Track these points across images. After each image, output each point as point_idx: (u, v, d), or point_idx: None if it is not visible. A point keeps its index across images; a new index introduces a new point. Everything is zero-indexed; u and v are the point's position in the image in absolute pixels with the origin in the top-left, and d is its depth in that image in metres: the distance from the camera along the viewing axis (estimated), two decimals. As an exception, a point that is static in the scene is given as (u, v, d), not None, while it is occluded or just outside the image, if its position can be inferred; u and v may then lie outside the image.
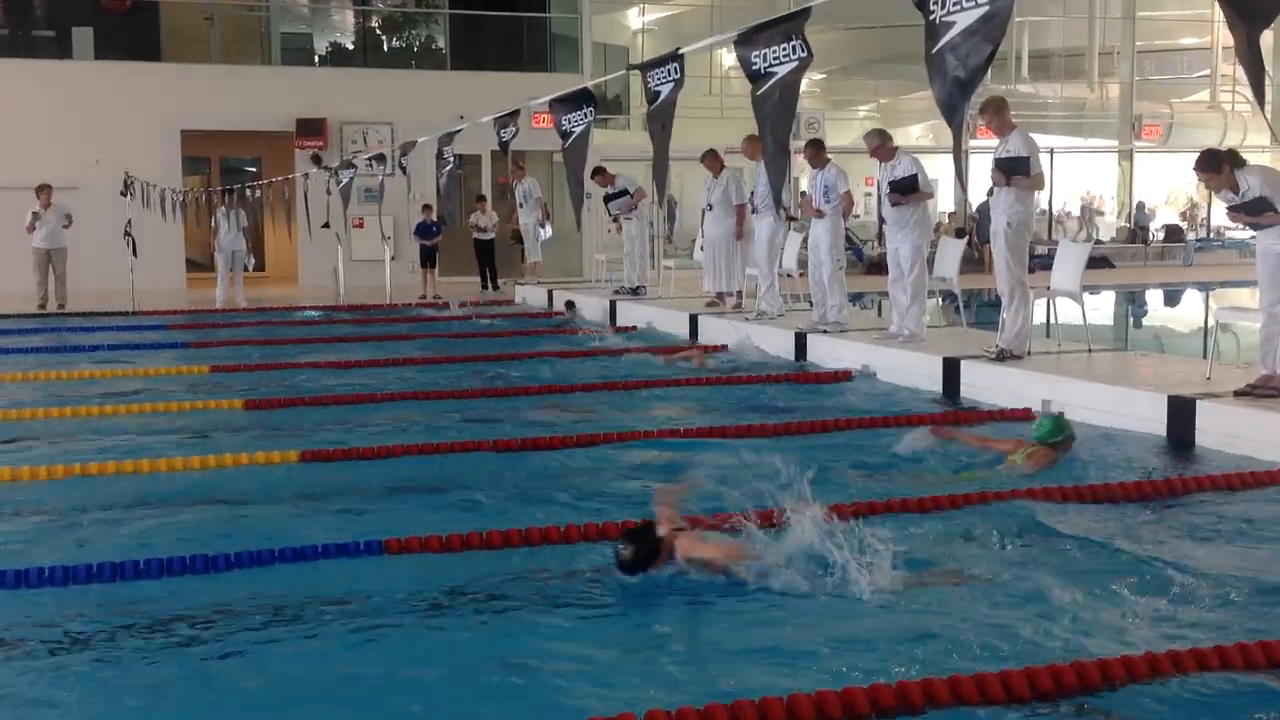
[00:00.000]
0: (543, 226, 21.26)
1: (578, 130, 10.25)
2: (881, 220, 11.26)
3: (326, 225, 19.82)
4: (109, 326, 15.80)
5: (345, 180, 18.91)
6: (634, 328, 15.19)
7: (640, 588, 4.89)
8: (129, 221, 18.90)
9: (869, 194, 26.30)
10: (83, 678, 4.11)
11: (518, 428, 8.48)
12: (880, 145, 11.16)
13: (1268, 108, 31.24)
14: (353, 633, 4.51)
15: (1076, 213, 33.41)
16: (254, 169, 26.62)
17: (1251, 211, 7.65)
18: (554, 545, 5.53)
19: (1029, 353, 9.70)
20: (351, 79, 24.46)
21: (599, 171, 17.14)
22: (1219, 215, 32.09)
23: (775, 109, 6.81)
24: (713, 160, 14.70)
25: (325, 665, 4.23)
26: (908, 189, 10.82)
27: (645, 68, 8.76)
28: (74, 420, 8.92)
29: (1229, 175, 7.73)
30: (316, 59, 25.48)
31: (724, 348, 12.75)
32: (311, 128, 23.42)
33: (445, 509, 6.31)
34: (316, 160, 22.14)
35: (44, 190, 18.74)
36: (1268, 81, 30.86)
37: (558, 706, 3.86)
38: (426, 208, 20.78)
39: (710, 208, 14.78)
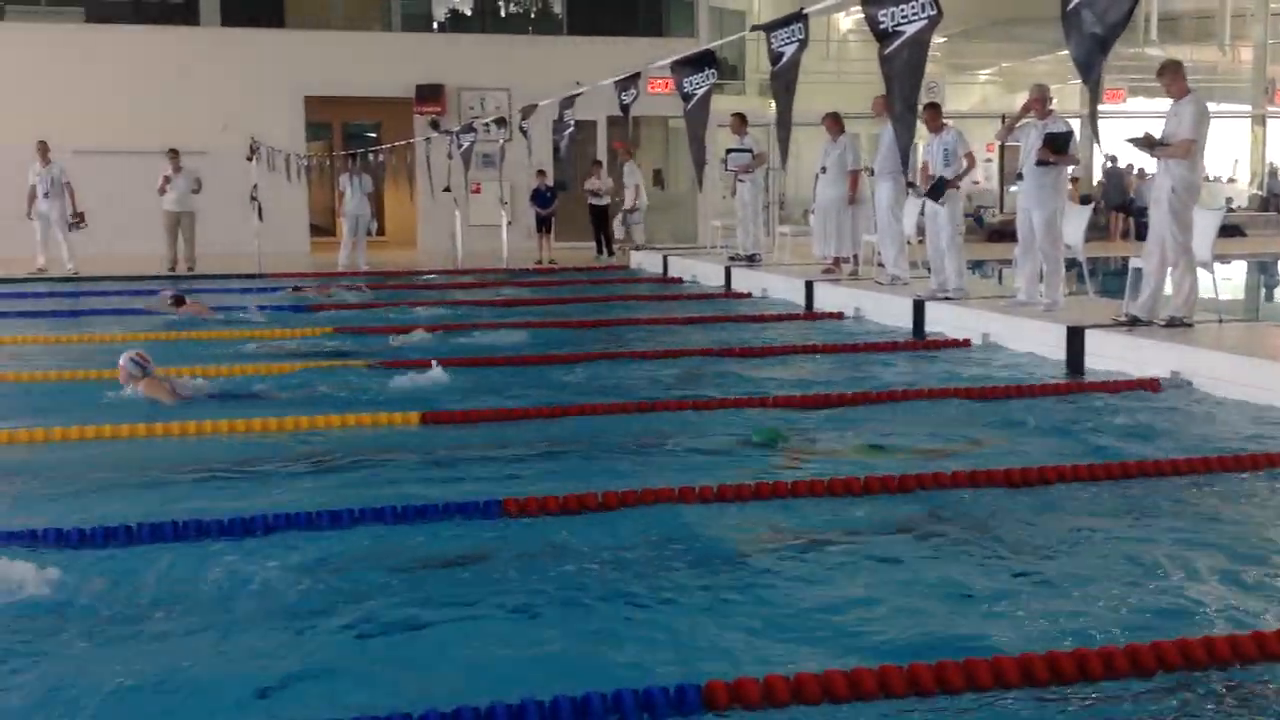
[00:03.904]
0: (632, 212, 21.46)
1: (699, 93, 10.21)
2: (1019, 176, 10.97)
3: (448, 189, 20.03)
4: (236, 289, 16.16)
5: (466, 145, 19.06)
6: (749, 294, 15.15)
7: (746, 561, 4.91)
8: (255, 186, 19.33)
9: (989, 160, 25.82)
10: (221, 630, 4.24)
11: (635, 390, 8.52)
12: (1041, 99, 10.90)
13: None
14: (469, 593, 4.58)
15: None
16: (374, 135, 27.01)
17: None
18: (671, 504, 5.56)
19: (1163, 321, 9.47)
20: (469, 45, 24.65)
21: (739, 117, 16.93)
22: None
23: (903, 68, 6.69)
24: (833, 122, 14.52)
25: (448, 626, 4.30)
26: (1063, 146, 10.58)
27: (769, 28, 8.69)
28: (204, 379, 9.14)
29: None
30: (435, 25, 25.71)
31: (841, 315, 12.69)
32: (430, 94, 23.67)
33: (565, 470, 6.38)
34: (435, 126, 22.39)
35: (173, 154, 19.22)
36: None
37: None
38: (540, 173, 20.92)
39: (824, 171, 14.64)
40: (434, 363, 8.86)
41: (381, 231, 26.52)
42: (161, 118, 21.81)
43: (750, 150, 16.53)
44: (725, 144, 17.17)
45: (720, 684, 3.53)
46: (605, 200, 21.98)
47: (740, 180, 16.75)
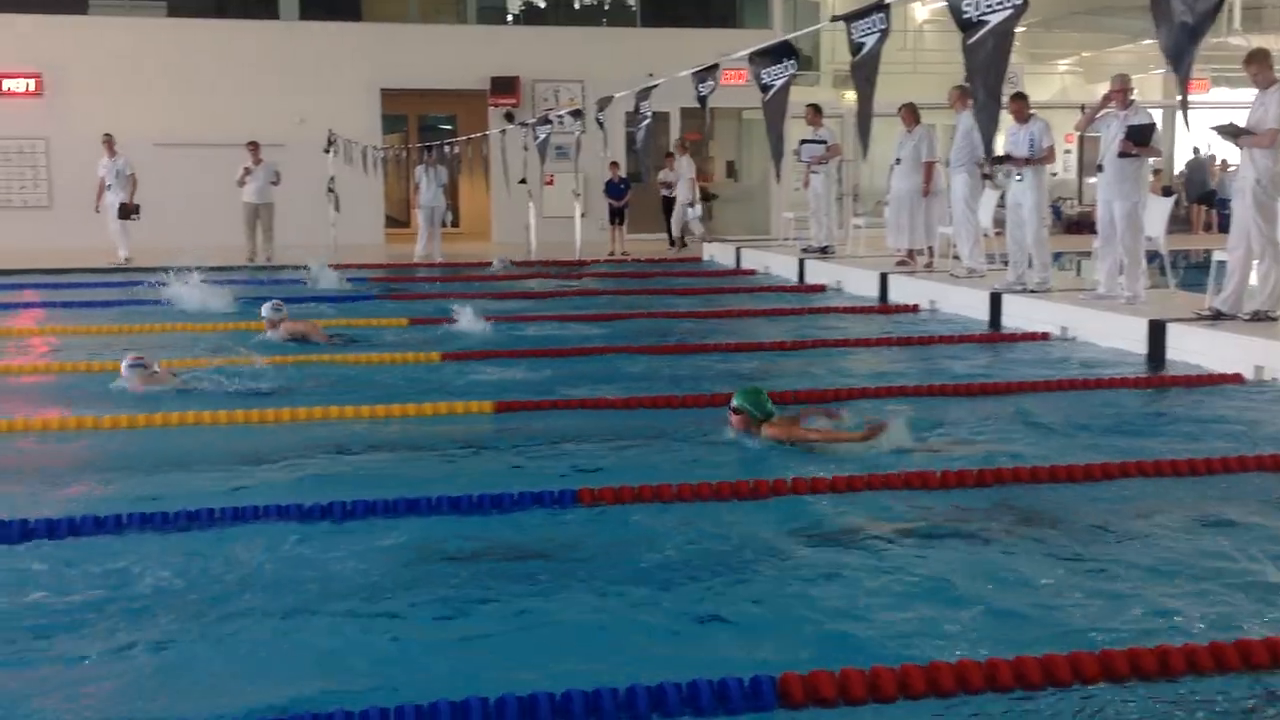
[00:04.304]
0: (692, 206, 21.31)
1: (778, 84, 10.15)
2: (1099, 167, 10.82)
3: (523, 181, 20.12)
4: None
5: (542, 137, 19.13)
6: (823, 287, 15.06)
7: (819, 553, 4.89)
8: (331, 178, 19.54)
9: (1068, 151, 25.45)
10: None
11: (707, 383, 8.51)
12: (1123, 89, 10.75)
13: None
14: (547, 581, 4.61)
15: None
16: (449, 127, 27.19)
17: None
18: (744, 501, 5.55)
19: (1247, 315, 9.29)
20: (544, 37, 24.72)
21: (814, 108, 16.85)
22: None
23: (988, 58, 6.62)
24: (909, 113, 14.43)
25: (520, 615, 4.33)
26: (1145, 138, 10.44)
27: (849, 19, 8.61)
28: (276, 370, 9.26)
29: None
30: (510, 17, 25.82)
31: (917, 308, 12.60)
32: (505, 86, 23.78)
33: (638, 461, 6.39)
34: (509, 118, 22.50)
35: (253, 146, 19.46)
36: None
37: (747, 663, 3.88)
38: (614, 165, 20.97)
39: (899, 162, 14.52)
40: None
41: (456, 223, 26.70)
42: (240, 110, 22.10)
43: (824, 141, 16.44)
44: (799, 135, 17.10)
45: (795, 677, 3.52)
46: (678, 192, 21.96)
47: (813, 171, 16.65)
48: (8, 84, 22.30)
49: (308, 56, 23.04)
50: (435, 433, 7.15)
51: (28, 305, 13.99)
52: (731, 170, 26.46)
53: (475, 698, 3.40)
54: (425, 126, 27.91)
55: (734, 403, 6.65)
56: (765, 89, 10.32)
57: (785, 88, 10.16)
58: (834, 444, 6.43)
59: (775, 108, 10.26)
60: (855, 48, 8.42)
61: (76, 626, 4.16)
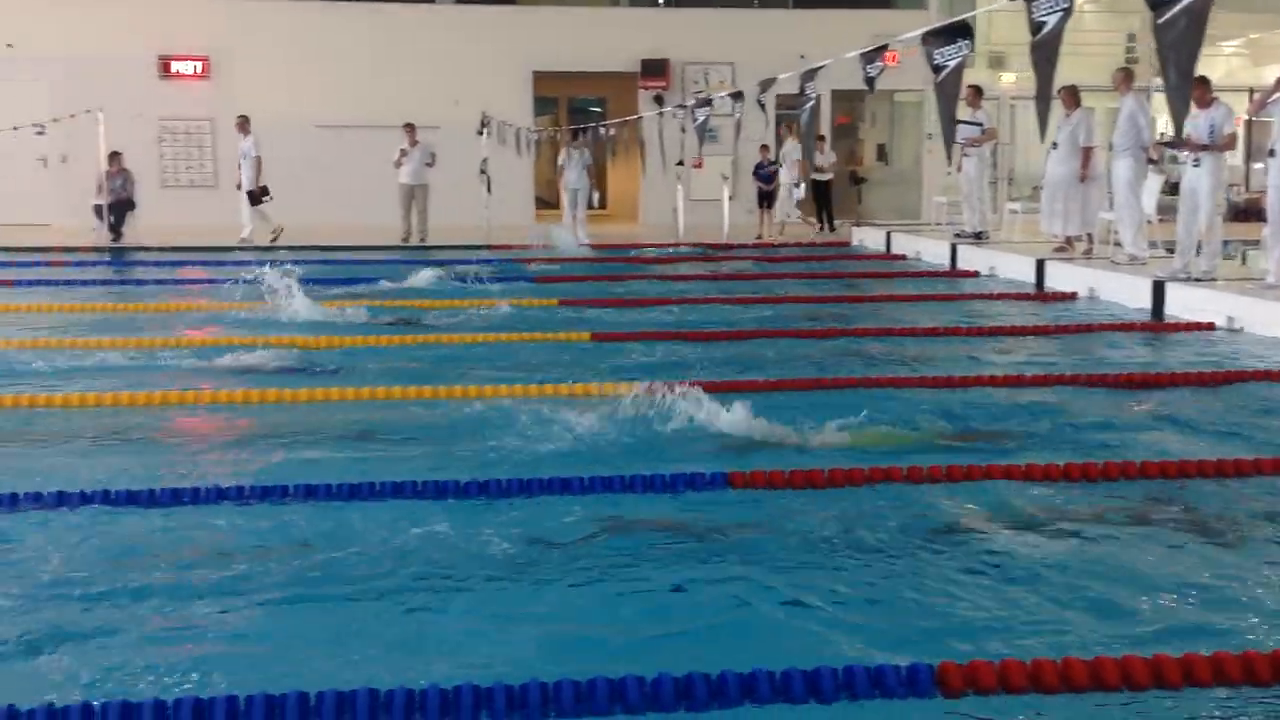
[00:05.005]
0: (798, 186, 20.97)
1: (951, 64, 9.93)
2: (1271, 153, 10.40)
3: (681, 163, 20.11)
4: (464, 260, 16.58)
5: (701, 119, 19.06)
6: (975, 273, 14.78)
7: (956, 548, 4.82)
8: (484, 159, 19.82)
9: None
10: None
11: (858, 367, 8.44)
12: None
13: None
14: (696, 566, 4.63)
15: None
16: (598, 109, 27.32)
17: None
18: (895, 484, 5.50)
19: None
20: (694, 19, 24.65)
21: (975, 90, 16.53)
22: None
23: (1179, 37, 6.39)
24: (1069, 96, 14.04)
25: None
26: None
27: (1030, -2, 8.38)
28: (433, 347, 9.45)
29: None
30: (661, 0, 25.80)
31: (1075, 296, 12.30)
32: (655, 68, 23.80)
33: (789, 446, 6.37)
34: (659, 101, 22.50)
35: (409, 128, 19.86)
36: None
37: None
38: (764, 148, 20.84)
39: (1055, 146, 14.15)
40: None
41: (603, 205, 26.84)
42: (398, 93, 22.51)
43: (980, 124, 16.10)
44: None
45: (953, 666, 3.48)
46: (828, 175, 21.73)
47: (966, 154, 16.32)
48: (177, 66, 23.08)
49: (463, 40, 23.35)
50: (586, 413, 7.20)
51: (192, 281, 14.49)
52: (882, 153, 26.10)
53: (632, 676, 3.43)
54: (574, 109, 28.09)
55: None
56: (937, 70, 10.09)
57: (959, 69, 9.92)
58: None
59: (948, 89, 10.04)
60: (1035, 27, 8.19)
61: (241, 590, 4.32)
